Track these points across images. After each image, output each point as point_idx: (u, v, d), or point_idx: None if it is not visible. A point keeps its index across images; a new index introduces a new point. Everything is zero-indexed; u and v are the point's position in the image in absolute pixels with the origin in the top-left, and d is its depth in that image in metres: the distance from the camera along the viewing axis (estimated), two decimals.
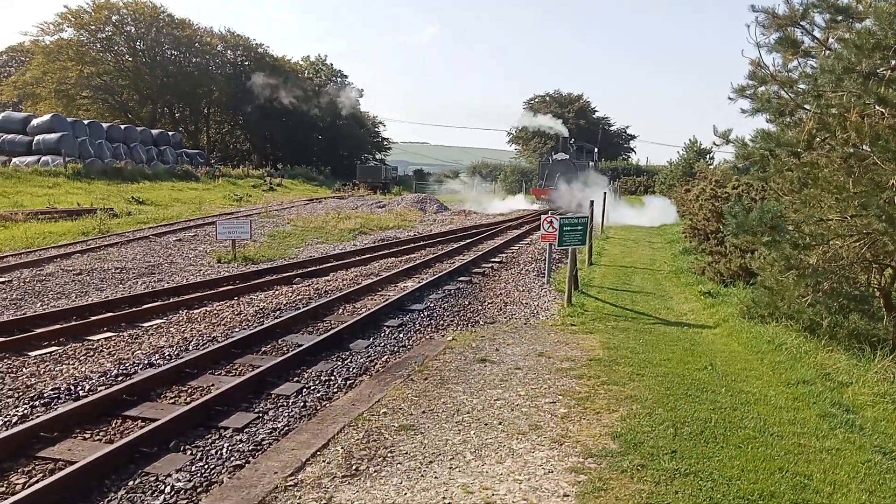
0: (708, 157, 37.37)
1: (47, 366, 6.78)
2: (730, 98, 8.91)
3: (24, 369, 6.63)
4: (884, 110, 7.07)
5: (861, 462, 4.80)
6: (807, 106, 8.23)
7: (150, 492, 4.33)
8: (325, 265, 13.46)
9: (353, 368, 7.06)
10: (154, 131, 43.57)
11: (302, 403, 6.00)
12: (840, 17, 7.88)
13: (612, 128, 69.39)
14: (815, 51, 8.30)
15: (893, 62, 7.03)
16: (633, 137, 71.91)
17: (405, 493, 4.12)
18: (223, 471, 4.63)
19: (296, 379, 6.67)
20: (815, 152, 8.14)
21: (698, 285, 12.78)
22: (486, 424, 5.28)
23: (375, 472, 4.40)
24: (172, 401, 5.98)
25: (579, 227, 11.14)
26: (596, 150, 44.82)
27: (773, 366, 7.38)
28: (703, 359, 7.48)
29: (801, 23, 8.13)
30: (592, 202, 16.16)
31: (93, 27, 52.72)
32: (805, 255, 8.18)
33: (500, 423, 5.30)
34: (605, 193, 25.95)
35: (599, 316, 9.77)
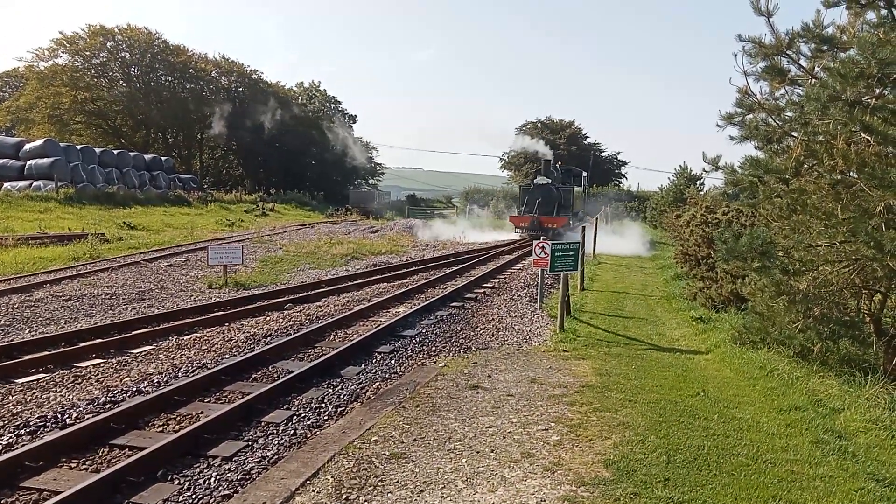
0: (698, 183, 37.64)
1: (34, 393, 6.70)
2: (718, 125, 9.03)
3: (10, 397, 6.55)
4: (869, 137, 7.17)
5: (854, 490, 4.78)
6: (794, 133, 8.34)
7: None
8: (316, 291, 13.42)
9: (344, 395, 7.00)
10: (147, 156, 43.59)
11: (292, 431, 5.93)
12: (825, 47, 8.02)
13: (603, 154, 69.97)
14: (802, 79, 8.44)
15: (877, 90, 7.15)
16: (624, 163, 72.46)
17: None
18: (211, 501, 4.56)
19: (286, 406, 6.60)
20: (803, 179, 8.23)
21: (690, 311, 12.80)
22: (477, 452, 5.23)
23: (366, 501, 4.34)
24: (161, 429, 5.90)
25: (571, 253, 11.17)
26: (585, 174, 41.22)
27: (765, 392, 7.37)
28: (695, 385, 7.46)
29: (788, 52, 8.26)
30: (584, 227, 16.21)
31: (87, 53, 52.99)
32: (795, 280, 8.22)
33: (492, 451, 5.26)
34: (596, 220, 25.49)
35: (592, 342, 9.76)
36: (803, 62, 8.40)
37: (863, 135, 7.23)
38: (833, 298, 8.31)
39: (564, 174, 35.82)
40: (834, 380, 7.70)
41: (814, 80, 8.10)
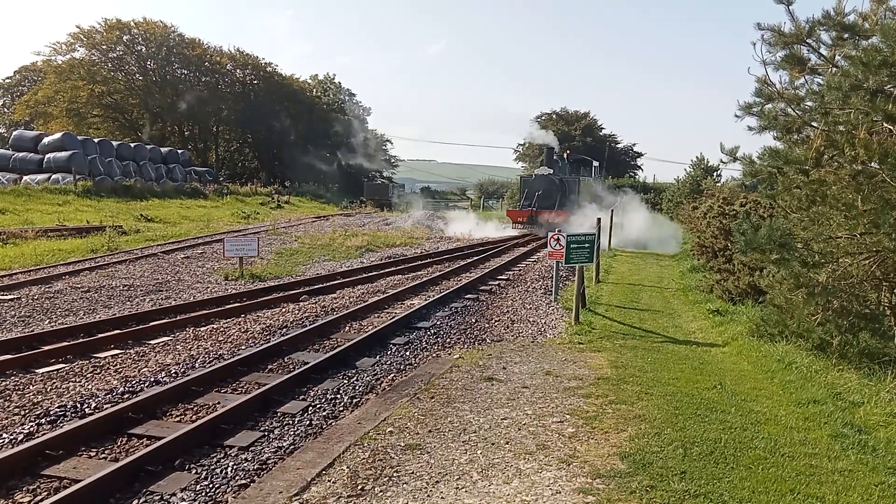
0: (715, 174, 37.29)
1: (54, 383, 6.78)
2: (736, 115, 8.90)
3: (30, 386, 6.64)
4: (892, 127, 7.05)
5: (874, 484, 4.72)
6: (814, 123, 8.21)
7: None
8: (331, 283, 13.47)
9: (360, 387, 7.03)
10: (163, 149, 43.89)
11: (308, 422, 5.97)
12: (846, 35, 7.88)
13: (619, 145, 69.47)
14: (822, 68, 8.30)
15: None
16: (640, 155, 71.86)
17: None
18: (228, 490, 4.59)
19: (302, 397, 6.64)
20: (823, 170, 8.11)
21: (706, 303, 12.71)
22: (492, 444, 5.23)
23: (381, 491, 4.36)
24: (178, 419, 5.96)
25: (587, 245, 11.12)
26: (596, 164, 37.32)
27: (783, 385, 7.30)
28: (712, 378, 7.41)
29: (808, 40, 8.12)
30: (599, 219, 16.11)
31: (104, 47, 53.40)
32: (814, 273, 8.12)
33: (507, 443, 5.25)
34: (611, 212, 24.85)
35: (607, 334, 9.72)
36: (824, 51, 8.26)
37: (885, 124, 7.11)
38: (853, 291, 8.20)
39: (573, 164, 33.23)
40: (853, 373, 7.61)
41: (835, 69, 7.97)
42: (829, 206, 7.90)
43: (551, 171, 28.88)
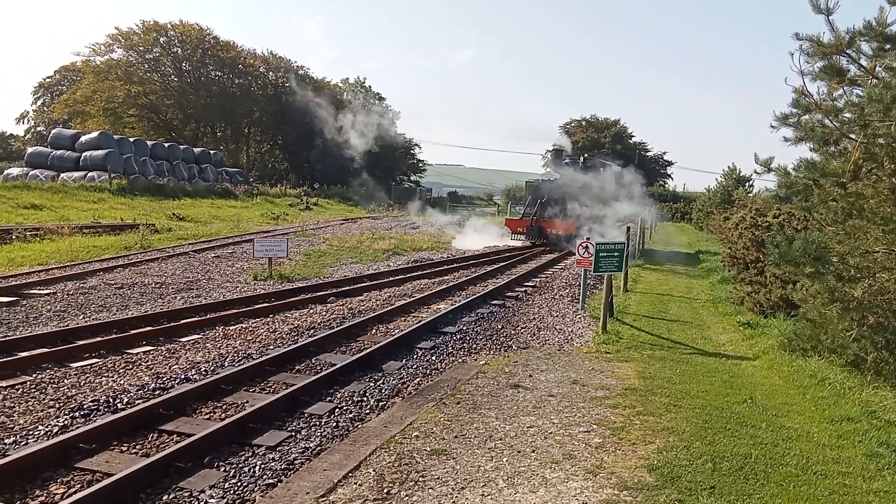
0: (747, 184, 36.73)
1: (88, 377, 6.92)
2: (772, 126, 8.77)
3: (65, 380, 6.78)
4: None
5: None
6: (853, 135, 8.05)
7: None
8: (359, 285, 13.55)
9: (386, 390, 7.05)
10: (196, 149, 44.62)
11: (334, 424, 6.01)
12: (888, 46, 7.72)
13: (649, 153, 68.91)
14: (862, 79, 8.14)
15: None
16: (670, 164, 71.32)
17: None
18: (256, 489, 4.64)
19: (329, 399, 6.69)
20: (861, 183, 7.96)
21: (737, 315, 12.50)
22: (518, 452, 5.21)
23: (407, 496, 4.37)
24: (207, 416, 6.04)
25: (616, 253, 11.02)
26: (618, 168, 32.02)
27: (815, 401, 7.16)
28: (742, 392, 7.29)
29: (848, 51, 7.98)
30: (629, 227, 15.97)
31: (141, 48, 54.57)
32: (850, 287, 7.95)
33: (533, 451, 5.23)
34: (640, 221, 24.13)
35: (635, 344, 9.62)
36: (864, 62, 8.10)
37: None
38: (890, 306, 8.01)
39: (588, 170, 28.56)
40: (889, 391, 7.44)
41: (875, 81, 7.81)
42: (867, 219, 7.74)
43: (559, 177, 26.01)
